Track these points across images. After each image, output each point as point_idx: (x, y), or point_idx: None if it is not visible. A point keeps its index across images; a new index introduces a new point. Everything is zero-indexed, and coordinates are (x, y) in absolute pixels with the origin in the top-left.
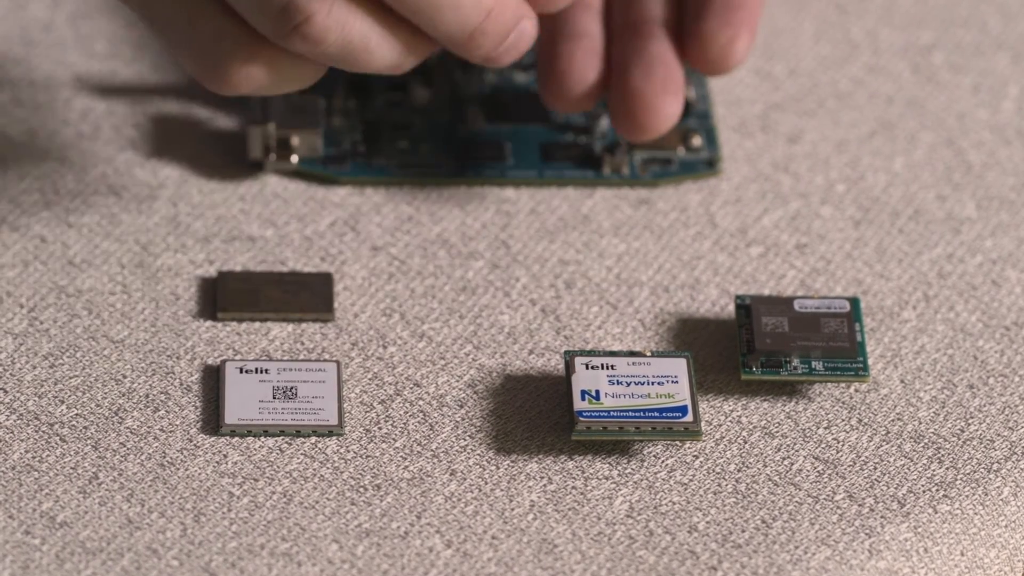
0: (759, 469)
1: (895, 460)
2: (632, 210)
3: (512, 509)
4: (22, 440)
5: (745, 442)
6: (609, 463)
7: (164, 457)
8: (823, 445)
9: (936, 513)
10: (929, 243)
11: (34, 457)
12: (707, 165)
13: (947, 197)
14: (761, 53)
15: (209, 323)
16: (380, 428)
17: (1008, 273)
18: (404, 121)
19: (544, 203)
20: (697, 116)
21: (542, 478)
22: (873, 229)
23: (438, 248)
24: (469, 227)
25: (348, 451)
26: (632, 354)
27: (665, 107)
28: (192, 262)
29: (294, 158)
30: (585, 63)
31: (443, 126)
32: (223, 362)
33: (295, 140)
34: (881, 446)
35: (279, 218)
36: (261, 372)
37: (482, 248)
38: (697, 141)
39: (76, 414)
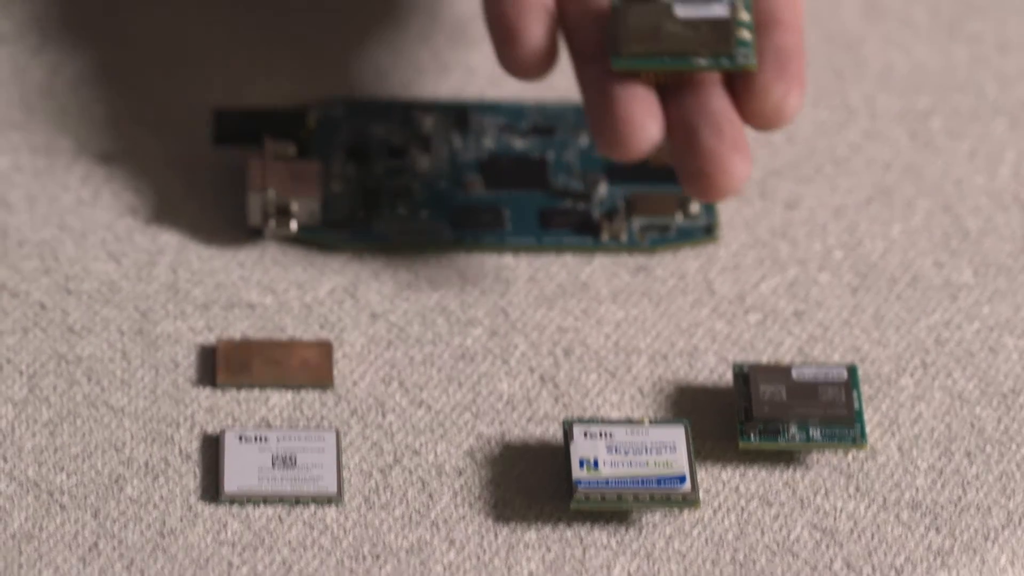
0: (757, 538)
1: (892, 528)
2: (630, 277)
3: None
4: (22, 508)
5: (743, 511)
6: (607, 531)
7: (164, 526)
8: (821, 513)
9: None
10: (927, 310)
11: (34, 525)
12: (705, 232)
13: (944, 263)
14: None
15: (208, 390)
16: (379, 497)
17: (1005, 340)
18: (403, 187)
19: (543, 270)
20: None
21: (540, 547)
22: (871, 296)
23: (437, 315)
24: (468, 294)
25: (347, 520)
26: (630, 422)
27: (737, 166)
28: (191, 329)
29: (293, 224)
30: (644, 111)
31: (442, 192)
32: (222, 430)
33: (294, 206)
34: (879, 514)
35: (278, 285)
36: (260, 440)
37: (481, 315)
38: (695, 208)
39: (76, 482)
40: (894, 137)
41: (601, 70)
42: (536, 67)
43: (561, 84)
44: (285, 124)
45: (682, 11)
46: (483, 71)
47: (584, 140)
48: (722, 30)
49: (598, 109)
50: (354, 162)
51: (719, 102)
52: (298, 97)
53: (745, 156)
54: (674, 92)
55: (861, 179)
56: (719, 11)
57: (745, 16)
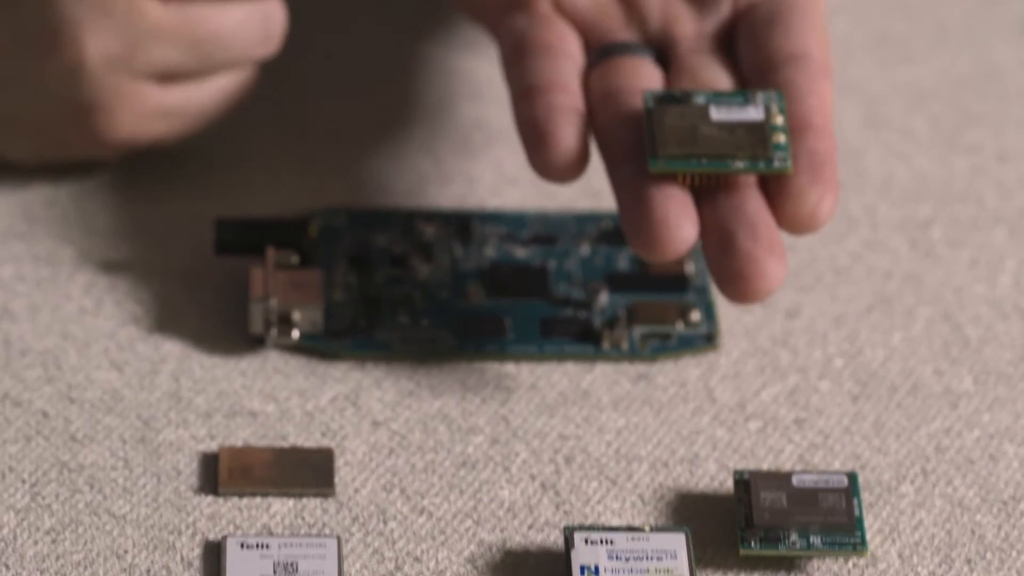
0: None
1: None
2: (631, 385)
3: None
4: None
5: None
6: None
7: None
8: None
9: None
10: (927, 417)
11: None
12: (706, 340)
13: (945, 371)
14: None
15: (210, 498)
16: None
17: (1006, 447)
18: (405, 296)
19: (544, 378)
20: (695, 291)
21: None
22: (871, 404)
23: (438, 423)
24: (469, 402)
25: None
26: (631, 529)
27: (773, 269)
28: (194, 437)
29: (295, 333)
30: (680, 212)
31: (444, 301)
32: (224, 538)
33: (296, 315)
34: None
35: (280, 393)
36: (262, 548)
37: (482, 423)
38: (696, 316)
39: None
40: (895, 246)
41: (636, 172)
42: (569, 170)
43: (562, 194)
44: (287, 233)
45: (717, 114)
46: (485, 180)
47: (585, 249)
48: (758, 133)
49: (633, 210)
50: (356, 271)
51: (755, 205)
52: (300, 206)
53: (781, 258)
54: (709, 195)
55: (862, 288)
56: (754, 115)
57: (780, 120)
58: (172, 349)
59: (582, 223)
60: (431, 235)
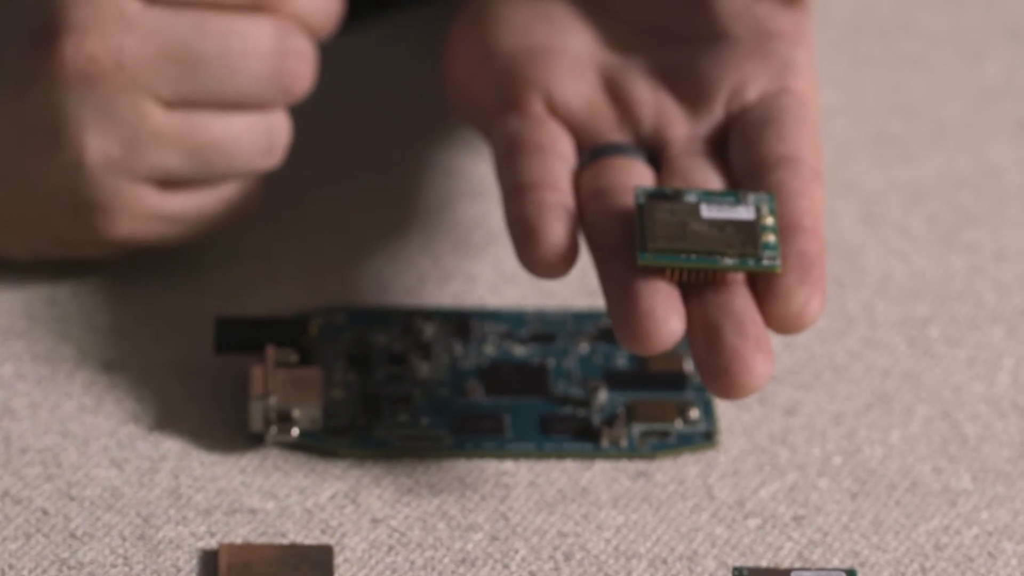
0: None
1: None
2: (630, 482)
3: None
4: None
5: None
6: None
7: None
8: None
9: None
10: (926, 515)
11: None
12: (705, 438)
13: (943, 469)
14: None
15: None
16: None
17: (1004, 545)
18: (404, 394)
19: (543, 475)
20: (694, 389)
21: None
22: (870, 501)
23: (438, 520)
24: (468, 499)
25: None
26: None
27: (760, 366)
28: (193, 534)
29: (295, 431)
30: (668, 306)
31: (443, 399)
32: None
33: (296, 413)
34: None
35: (280, 490)
36: None
37: (481, 520)
38: (695, 414)
39: None
40: (893, 344)
41: (624, 266)
42: (557, 266)
43: (561, 292)
44: (287, 332)
45: (708, 212)
46: (484, 279)
47: (584, 347)
48: (748, 232)
49: (621, 304)
50: (355, 369)
51: (742, 302)
52: (300, 305)
53: (767, 355)
54: (697, 291)
55: (860, 386)
56: (745, 214)
57: (770, 220)
58: (172, 447)
59: (580, 321)
60: (430, 333)
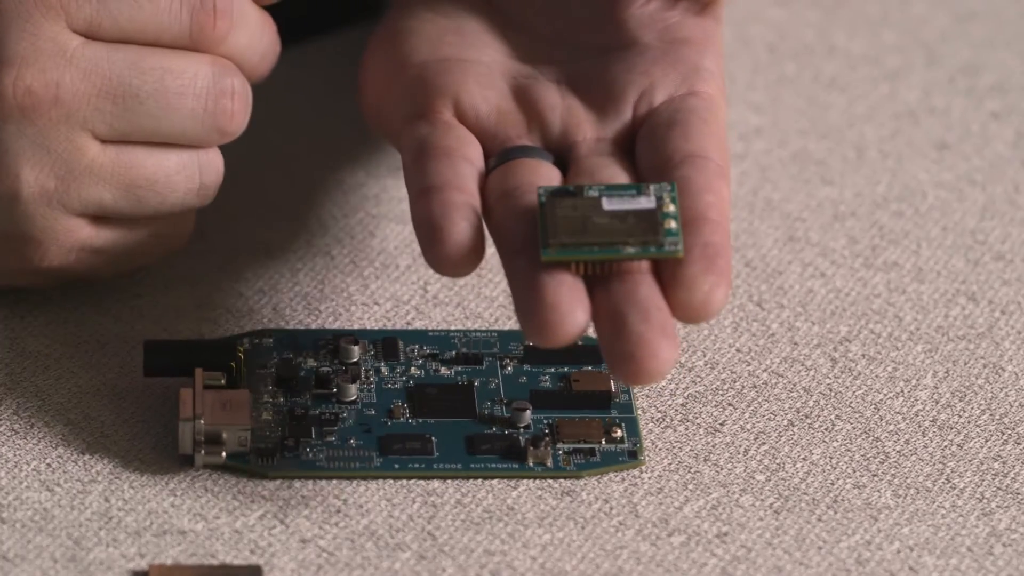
0: None
1: None
2: (556, 501)
3: None
4: None
5: None
6: None
7: None
8: None
9: None
10: (848, 531)
11: None
12: (629, 456)
13: (865, 485)
14: (681, 346)
15: None
16: None
17: (925, 559)
18: (331, 415)
19: (470, 495)
20: (619, 407)
21: None
22: (792, 517)
23: (366, 540)
24: (396, 519)
25: None
26: None
27: (665, 351)
28: (124, 556)
29: (224, 453)
30: (572, 298)
31: (370, 420)
32: None
33: (224, 435)
34: None
35: (209, 511)
36: None
37: (409, 540)
38: (619, 432)
39: None
40: (814, 362)
41: (529, 263)
42: (461, 263)
43: (486, 314)
44: (215, 354)
45: (609, 204)
46: (410, 302)
47: (510, 368)
48: (649, 220)
49: (526, 298)
50: (283, 391)
51: (647, 290)
52: (227, 328)
53: (673, 341)
54: (602, 282)
55: (782, 404)
56: (646, 203)
57: (671, 208)
58: (102, 469)
59: (506, 342)
60: (357, 355)
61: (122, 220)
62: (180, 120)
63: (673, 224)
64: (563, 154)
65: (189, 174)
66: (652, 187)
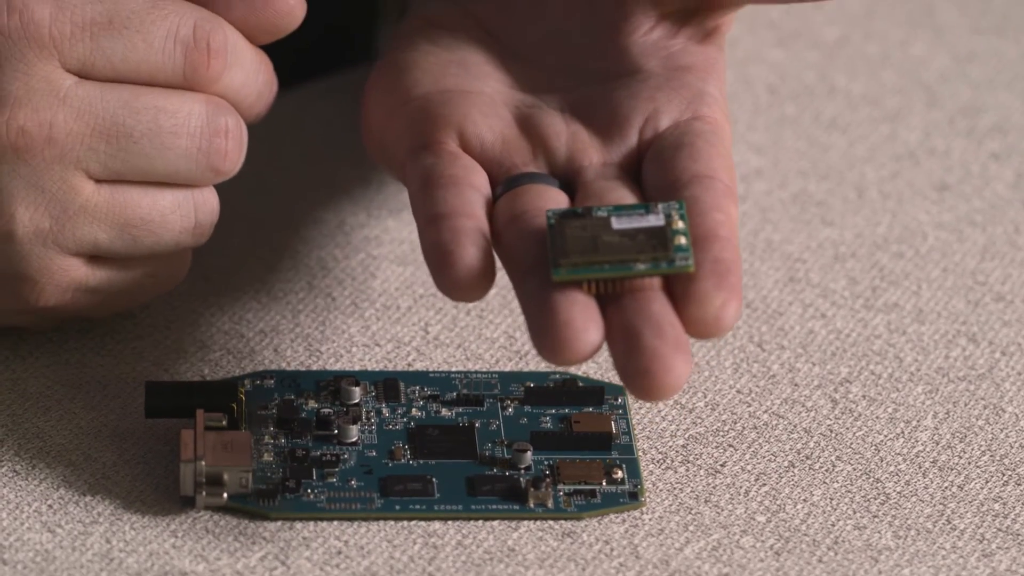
0: None
1: None
2: (557, 542)
3: None
4: None
5: None
6: None
7: None
8: None
9: None
10: (848, 572)
11: None
12: (630, 497)
13: (865, 527)
14: (682, 387)
15: None
16: None
17: None
18: (332, 457)
19: (471, 536)
20: (619, 449)
21: None
22: (793, 559)
23: None
24: (397, 560)
25: None
26: None
27: (680, 366)
28: None
29: (225, 494)
30: (585, 316)
31: (371, 461)
32: None
33: (226, 476)
34: None
35: (210, 553)
36: None
37: None
38: (619, 474)
39: None
40: (815, 403)
41: (541, 283)
42: (473, 287)
43: (487, 355)
44: (216, 396)
45: (618, 224)
46: (411, 343)
47: (510, 409)
48: (659, 236)
49: (538, 317)
50: (284, 432)
51: (660, 306)
52: (229, 369)
53: (687, 356)
54: (615, 300)
55: (783, 445)
56: (655, 221)
57: (680, 224)
58: (104, 510)
59: (506, 383)
60: (358, 396)
61: (118, 259)
62: (174, 159)
63: (683, 240)
64: (570, 179)
65: (184, 213)
66: (660, 205)
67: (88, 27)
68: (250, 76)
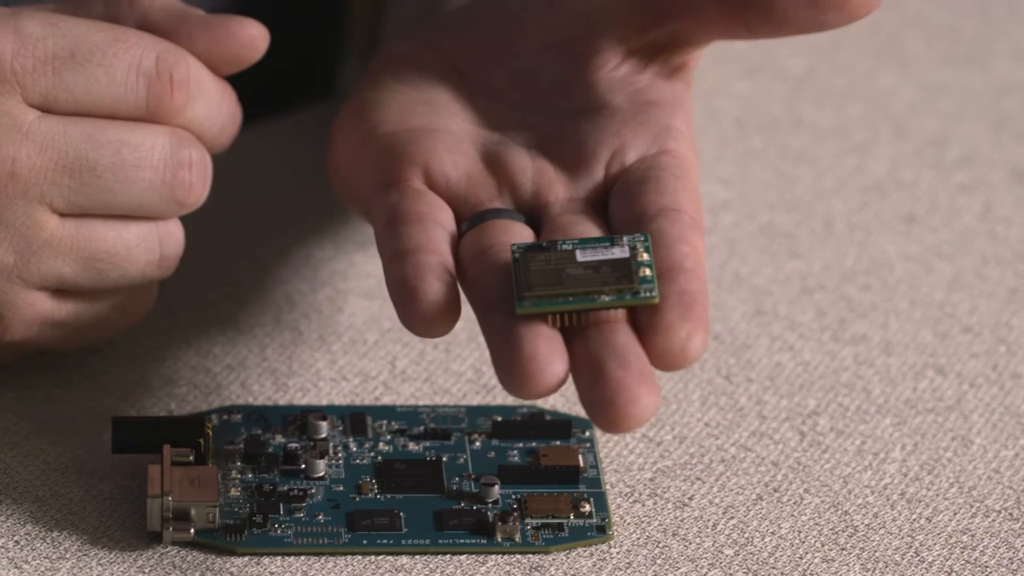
0: None
1: None
2: None
3: None
4: None
5: None
6: None
7: None
8: None
9: None
10: None
11: None
12: (598, 531)
13: (833, 559)
14: (650, 420)
15: None
16: None
17: None
18: (300, 491)
19: (438, 570)
20: (587, 482)
21: None
22: None
23: None
24: None
25: None
26: None
27: (645, 396)
28: None
29: (192, 529)
30: (549, 349)
31: (338, 496)
32: None
33: (193, 511)
34: None
35: None
36: None
37: None
38: (587, 507)
39: None
40: (782, 436)
41: (505, 317)
42: (437, 322)
43: (455, 389)
44: (183, 431)
45: (583, 256)
46: (379, 377)
47: (478, 443)
48: (623, 268)
49: (503, 351)
50: (251, 467)
51: (625, 338)
52: (196, 404)
53: (652, 387)
54: (579, 332)
55: (750, 478)
56: (619, 253)
57: (645, 256)
58: (71, 546)
59: (474, 417)
60: (326, 431)
61: (83, 293)
62: (138, 193)
63: (648, 272)
64: (535, 215)
65: (149, 246)
66: (625, 238)
67: (50, 61)
68: (214, 107)
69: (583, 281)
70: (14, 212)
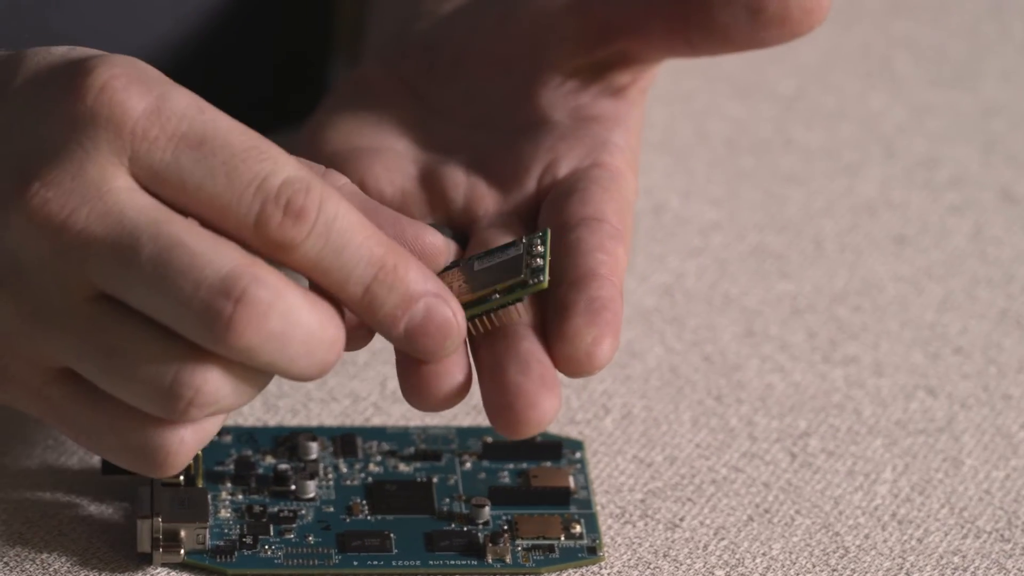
0: None
1: None
2: None
3: None
4: None
5: None
6: None
7: None
8: None
9: None
10: None
11: None
12: (588, 552)
13: None
14: (640, 441)
15: None
16: None
17: None
18: (290, 513)
19: None
20: (578, 503)
21: None
22: None
23: None
24: None
25: None
26: None
27: (544, 402)
28: None
29: (182, 551)
30: (451, 362)
31: (329, 517)
32: None
33: (183, 533)
34: None
35: None
36: None
37: None
38: (578, 528)
39: None
40: (773, 457)
41: None
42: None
43: (446, 411)
44: None
45: (480, 264)
46: (369, 398)
47: (469, 464)
48: (514, 264)
49: (405, 365)
50: (241, 488)
51: (528, 344)
52: None
53: (553, 392)
54: (486, 340)
55: (741, 499)
56: (513, 253)
57: (540, 248)
58: (60, 567)
59: (464, 438)
60: (316, 452)
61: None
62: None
63: (539, 261)
64: (465, 229)
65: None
66: (524, 237)
67: (176, 139)
68: (333, 263)
69: (477, 286)
70: (54, 268)
